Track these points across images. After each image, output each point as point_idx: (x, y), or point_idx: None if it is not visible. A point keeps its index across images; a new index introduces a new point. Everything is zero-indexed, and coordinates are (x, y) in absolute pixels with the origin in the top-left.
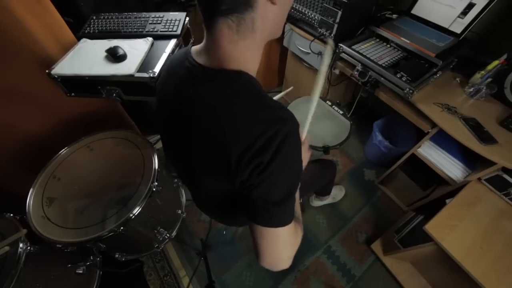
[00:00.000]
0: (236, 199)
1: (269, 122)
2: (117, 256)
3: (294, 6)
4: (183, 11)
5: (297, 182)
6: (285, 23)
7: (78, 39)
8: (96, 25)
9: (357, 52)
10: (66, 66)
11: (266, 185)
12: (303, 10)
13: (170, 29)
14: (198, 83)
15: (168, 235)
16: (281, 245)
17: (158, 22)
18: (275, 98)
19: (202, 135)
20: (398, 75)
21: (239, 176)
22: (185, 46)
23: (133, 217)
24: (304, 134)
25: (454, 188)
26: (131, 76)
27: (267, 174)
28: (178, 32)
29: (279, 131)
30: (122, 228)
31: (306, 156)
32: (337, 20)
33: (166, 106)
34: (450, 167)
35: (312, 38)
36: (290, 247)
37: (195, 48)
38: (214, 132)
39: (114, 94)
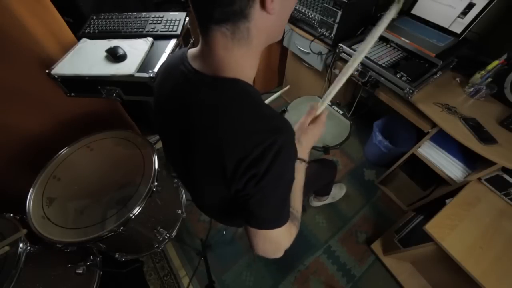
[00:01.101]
0: (232, 203)
1: (265, 132)
2: (117, 256)
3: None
4: (183, 11)
5: (290, 189)
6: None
7: (78, 39)
8: (96, 25)
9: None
10: (66, 66)
11: (261, 195)
12: (303, 10)
13: (170, 29)
14: (194, 89)
15: (168, 235)
16: (273, 243)
17: (158, 22)
18: (272, 98)
19: (198, 142)
20: (398, 75)
21: (234, 185)
22: (185, 46)
23: (133, 217)
24: (322, 107)
25: (454, 188)
26: (131, 76)
27: (263, 184)
28: (178, 32)
29: (274, 142)
30: (122, 228)
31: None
32: (337, 20)
33: (162, 109)
34: (450, 167)
35: (312, 38)
36: (282, 243)
37: (191, 52)
38: (210, 140)
39: (114, 94)
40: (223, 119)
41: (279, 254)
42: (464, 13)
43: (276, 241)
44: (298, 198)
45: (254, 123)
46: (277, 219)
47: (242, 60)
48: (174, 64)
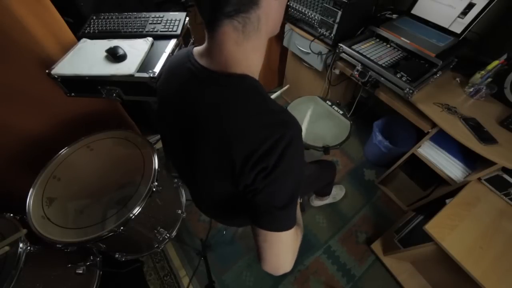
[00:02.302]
0: (237, 201)
1: (273, 126)
2: (117, 256)
3: (294, 6)
4: (183, 11)
5: (300, 186)
6: (285, 23)
7: (78, 39)
8: (96, 25)
9: (357, 52)
10: (66, 66)
11: (270, 189)
12: (303, 10)
13: (170, 29)
14: (202, 86)
15: (168, 235)
16: (283, 249)
17: (158, 22)
18: (272, 97)
19: (206, 138)
20: (398, 75)
21: (243, 180)
22: (185, 46)
23: (133, 217)
24: None
25: (454, 188)
26: (131, 76)
27: (272, 178)
28: (178, 32)
29: (283, 136)
30: (122, 228)
31: None
32: (337, 20)
33: (168, 107)
34: (450, 167)
35: (312, 38)
36: (292, 251)
37: (197, 49)
38: (218, 136)
39: (114, 94)
40: (231, 115)
41: (289, 264)
42: (464, 13)
43: (287, 245)
44: (298, 211)
45: (262, 118)
46: (287, 218)
47: (251, 53)
48: (180, 63)
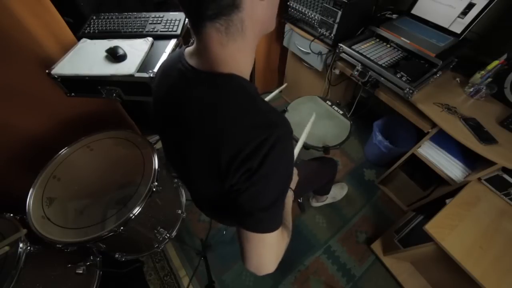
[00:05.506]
0: (226, 201)
1: (260, 127)
2: (117, 256)
3: (294, 6)
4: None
5: (286, 188)
6: (285, 23)
7: (78, 39)
8: (96, 25)
9: (357, 52)
10: (66, 66)
11: (253, 190)
12: (303, 10)
13: (170, 29)
14: (190, 86)
15: (168, 235)
16: (266, 250)
17: (158, 22)
18: (270, 96)
19: (195, 138)
20: (398, 75)
21: (228, 180)
22: (186, 46)
23: (133, 217)
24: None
25: (454, 188)
26: (131, 76)
27: (255, 180)
28: (178, 32)
29: (269, 137)
30: (122, 228)
31: (294, 179)
32: (337, 20)
33: (160, 108)
34: (450, 167)
35: (312, 38)
36: (275, 252)
37: (188, 50)
38: (205, 136)
39: (114, 94)
40: (218, 115)
41: (272, 265)
42: (464, 13)
43: (270, 246)
44: (288, 213)
45: (248, 117)
46: (270, 220)
47: (237, 54)
48: (172, 64)
